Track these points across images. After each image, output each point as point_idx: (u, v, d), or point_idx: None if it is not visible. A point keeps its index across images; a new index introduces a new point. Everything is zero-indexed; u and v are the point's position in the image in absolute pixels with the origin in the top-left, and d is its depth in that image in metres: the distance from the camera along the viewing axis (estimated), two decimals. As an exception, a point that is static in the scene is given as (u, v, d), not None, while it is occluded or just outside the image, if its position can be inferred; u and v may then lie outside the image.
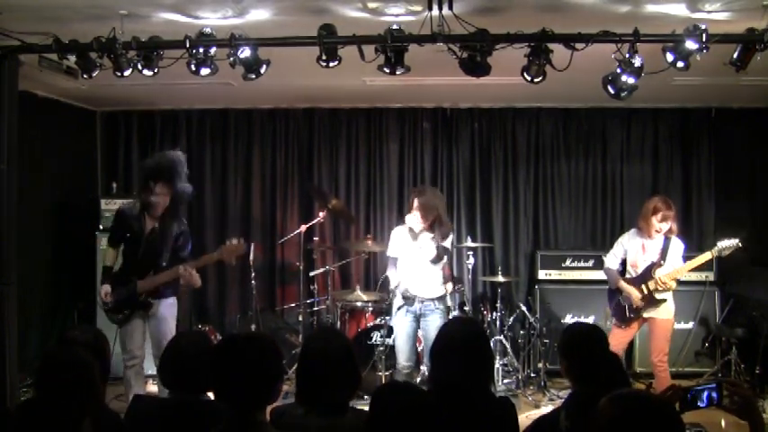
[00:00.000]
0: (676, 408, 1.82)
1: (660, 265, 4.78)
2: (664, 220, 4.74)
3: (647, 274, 4.81)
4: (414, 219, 4.74)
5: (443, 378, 2.57)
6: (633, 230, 5.01)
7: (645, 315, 4.82)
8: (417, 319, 4.78)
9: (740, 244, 4.61)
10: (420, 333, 4.87)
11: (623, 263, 5.00)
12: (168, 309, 4.58)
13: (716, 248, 4.68)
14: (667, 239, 4.81)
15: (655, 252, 4.82)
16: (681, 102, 6.64)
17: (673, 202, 4.91)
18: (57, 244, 6.28)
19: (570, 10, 3.79)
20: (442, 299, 4.79)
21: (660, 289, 4.72)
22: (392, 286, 4.98)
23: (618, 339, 4.82)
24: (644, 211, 4.86)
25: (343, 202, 6.58)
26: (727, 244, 4.66)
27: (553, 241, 6.85)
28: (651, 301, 4.78)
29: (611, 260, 5.05)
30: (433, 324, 4.64)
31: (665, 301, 4.77)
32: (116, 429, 2.50)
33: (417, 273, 4.77)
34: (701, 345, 6.06)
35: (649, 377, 5.41)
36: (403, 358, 4.83)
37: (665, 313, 4.81)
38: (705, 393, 1.86)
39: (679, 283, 4.84)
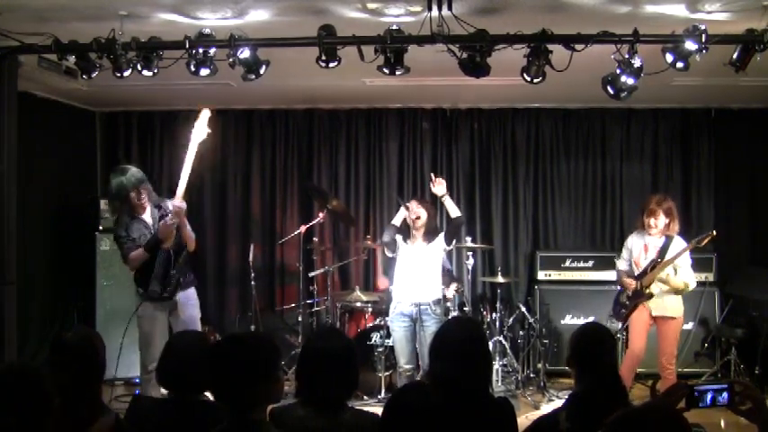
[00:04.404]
0: (682, 404, 1.82)
1: (659, 264, 4.79)
2: (651, 215, 4.80)
3: (646, 272, 4.84)
4: (413, 212, 4.76)
5: (441, 378, 2.57)
6: (636, 231, 5.05)
7: (654, 314, 4.83)
8: (414, 321, 4.77)
9: (714, 232, 4.70)
10: (418, 337, 4.86)
11: (632, 264, 5.02)
12: (193, 296, 4.66)
13: (694, 241, 4.72)
14: (668, 239, 4.83)
15: (655, 251, 4.85)
16: (681, 102, 6.64)
17: (672, 201, 4.91)
18: (57, 244, 6.28)
19: (570, 10, 3.79)
20: (438, 302, 4.79)
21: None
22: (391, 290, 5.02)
23: (635, 342, 4.88)
24: (639, 209, 5.00)
25: (344, 204, 6.58)
26: (702, 236, 4.71)
27: (553, 241, 6.85)
28: (639, 294, 4.82)
29: (621, 263, 5.13)
30: (428, 330, 4.61)
31: (652, 295, 4.79)
32: (116, 429, 2.50)
33: (413, 275, 4.77)
34: (700, 345, 6.06)
35: (649, 378, 5.41)
36: (403, 361, 4.82)
37: (673, 311, 4.82)
38: (710, 393, 1.84)
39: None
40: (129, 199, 4.41)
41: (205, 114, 4.39)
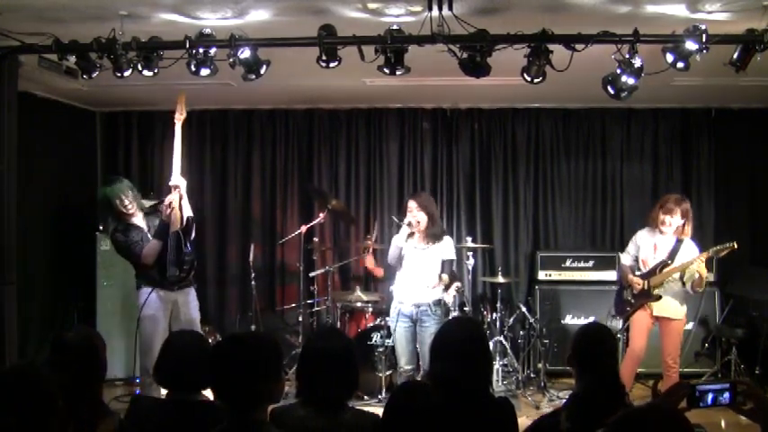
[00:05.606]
0: (683, 404, 1.82)
1: (668, 265, 4.79)
2: (667, 212, 4.75)
3: (653, 272, 4.83)
4: (410, 216, 4.73)
5: (442, 378, 2.57)
6: (647, 228, 5.00)
7: (656, 314, 4.83)
8: (414, 322, 4.76)
9: (735, 246, 4.62)
10: (418, 337, 4.85)
11: (638, 260, 5.01)
12: (194, 299, 4.70)
13: (712, 250, 4.69)
14: (679, 242, 4.81)
15: (665, 252, 4.83)
16: (681, 102, 6.64)
17: (689, 203, 4.88)
18: (57, 244, 6.28)
19: (570, 10, 3.79)
20: (438, 303, 4.78)
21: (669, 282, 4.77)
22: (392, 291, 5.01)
23: (636, 342, 4.88)
24: (655, 205, 4.93)
25: (344, 203, 6.58)
26: (722, 246, 4.67)
27: (553, 241, 6.85)
28: (646, 294, 4.82)
29: (625, 257, 5.10)
30: (428, 331, 4.60)
31: (660, 297, 4.78)
32: (116, 429, 2.50)
33: (413, 276, 4.76)
34: (701, 345, 6.05)
35: (650, 378, 5.41)
36: (403, 361, 4.83)
37: (675, 313, 4.82)
38: (711, 393, 1.84)
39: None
40: (114, 205, 4.47)
41: (181, 98, 4.67)
